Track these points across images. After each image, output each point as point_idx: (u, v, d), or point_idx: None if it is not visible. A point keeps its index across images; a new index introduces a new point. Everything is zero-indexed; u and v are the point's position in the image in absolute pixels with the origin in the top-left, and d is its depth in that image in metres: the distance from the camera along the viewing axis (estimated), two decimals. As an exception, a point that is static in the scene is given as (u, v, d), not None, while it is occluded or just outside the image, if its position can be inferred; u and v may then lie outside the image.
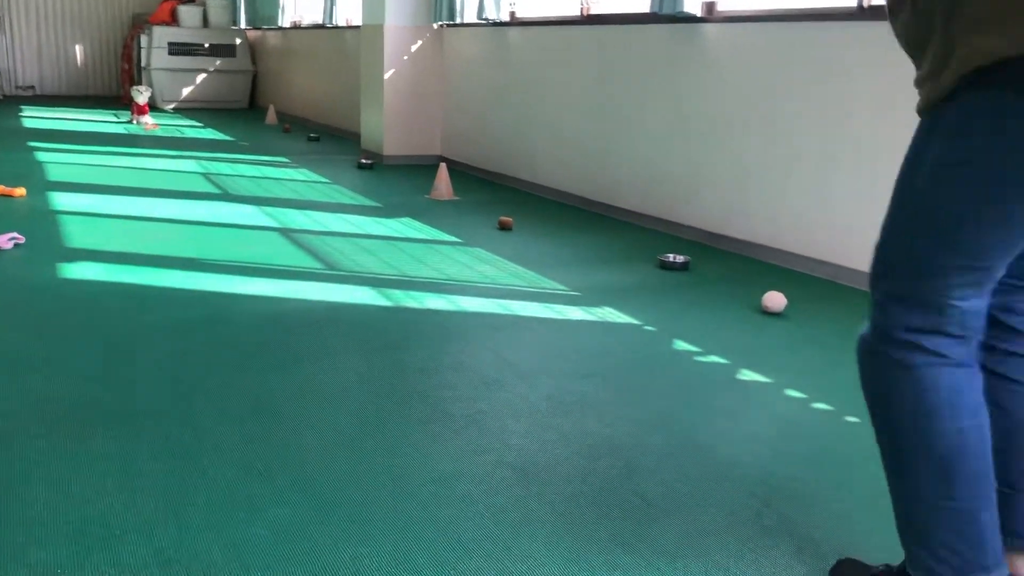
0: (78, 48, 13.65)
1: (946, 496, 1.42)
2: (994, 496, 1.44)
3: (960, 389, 1.42)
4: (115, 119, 10.11)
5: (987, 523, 1.43)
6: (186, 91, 12.05)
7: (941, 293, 1.39)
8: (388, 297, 3.53)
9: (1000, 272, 1.40)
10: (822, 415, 2.52)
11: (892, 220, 1.44)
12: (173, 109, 11.88)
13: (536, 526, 1.88)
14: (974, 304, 1.40)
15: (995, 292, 1.45)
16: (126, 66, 12.72)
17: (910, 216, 1.40)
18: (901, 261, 1.43)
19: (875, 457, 2.28)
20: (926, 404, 1.41)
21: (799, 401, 2.61)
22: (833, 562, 1.76)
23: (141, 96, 9.53)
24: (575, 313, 3.41)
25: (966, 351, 1.43)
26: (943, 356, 1.41)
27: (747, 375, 2.81)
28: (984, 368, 1.48)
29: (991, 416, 1.46)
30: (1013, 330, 1.51)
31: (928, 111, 1.38)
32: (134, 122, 9.55)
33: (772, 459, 2.23)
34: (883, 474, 2.19)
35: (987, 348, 1.50)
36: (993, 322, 1.49)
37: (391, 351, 2.91)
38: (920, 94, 1.38)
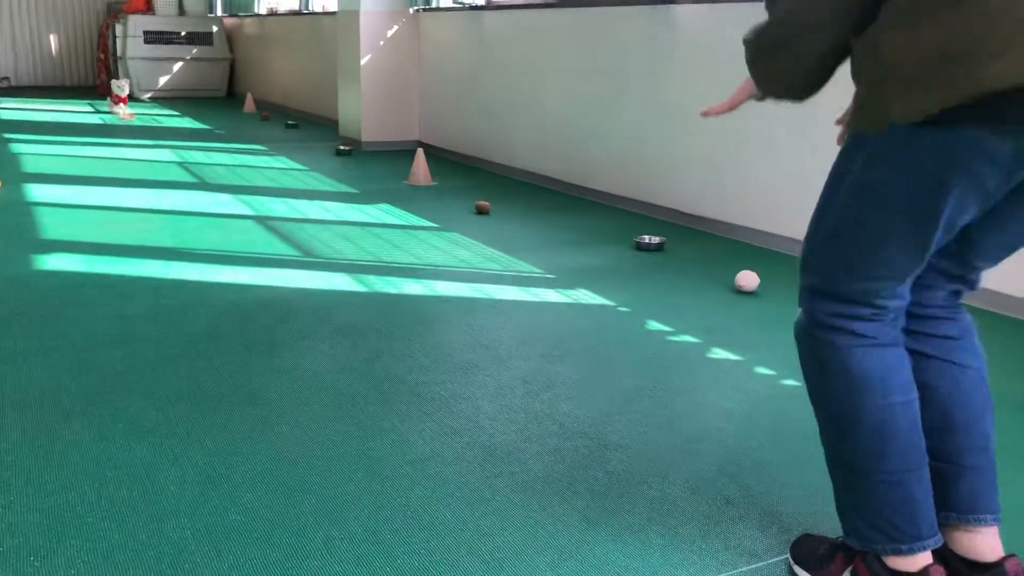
0: (53, 38, 13.52)
1: (879, 469, 1.49)
2: (926, 471, 1.51)
3: (890, 367, 1.49)
4: (92, 110, 10.04)
5: (919, 496, 1.49)
6: (163, 80, 11.97)
7: (864, 294, 1.47)
8: (364, 283, 3.55)
9: (919, 270, 1.47)
10: (790, 391, 2.56)
11: (818, 223, 1.51)
12: (150, 98, 11.81)
13: (506, 505, 1.91)
14: (896, 301, 1.49)
15: (912, 290, 1.53)
16: (101, 56, 12.63)
17: (833, 226, 1.47)
18: (826, 263, 1.50)
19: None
20: (858, 381, 1.48)
21: (768, 378, 2.65)
22: (796, 535, 1.80)
23: (122, 90, 9.59)
24: (550, 295, 3.44)
25: (892, 332, 1.51)
26: (871, 338, 1.49)
27: (718, 353, 2.85)
28: (909, 351, 1.55)
29: (925, 396, 1.54)
30: (928, 318, 1.58)
31: (856, 131, 1.42)
32: (112, 111, 9.54)
33: (739, 435, 2.27)
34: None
35: (908, 333, 1.57)
36: (910, 315, 1.57)
37: (367, 336, 2.93)
38: (854, 113, 1.41)
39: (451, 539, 1.78)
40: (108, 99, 9.84)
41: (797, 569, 1.68)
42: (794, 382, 2.62)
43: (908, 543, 1.49)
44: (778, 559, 1.74)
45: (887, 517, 1.50)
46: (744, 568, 1.71)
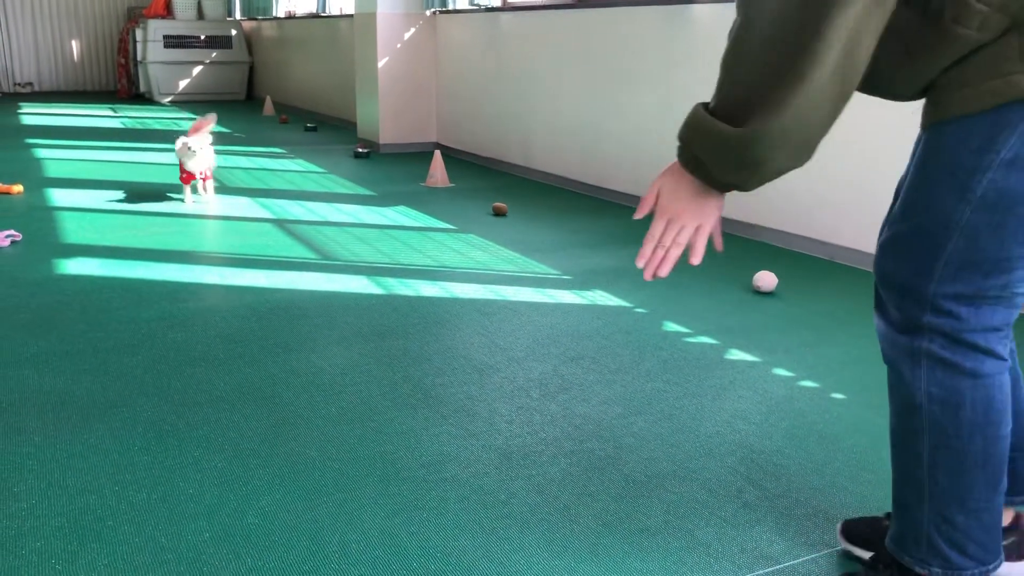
0: (74, 43, 13.67)
1: (989, 499, 1.42)
2: None
3: (1014, 395, 1.41)
4: (112, 114, 10.11)
5: (1000, 515, 1.45)
6: (183, 84, 12.07)
7: (1013, 286, 1.34)
8: (382, 285, 3.56)
9: None
10: (808, 393, 2.55)
11: (946, 226, 1.33)
12: (170, 102, 11.90)
13: (522, 508, 1.91)
14: None
15: None
16: (122, 60, 12.74)
17: (976, 221, 1.30)
18: (969, 262, 1.33)
19: (858, 433, 2.32)
20: (994, 413, 1.38)
21: (786, 379, 2.63)
22: (814, 540, 1.79)
23: (196, 160, 5.11)
24: (566, 297, 3.43)
25: (1010, 348, 1.42)
26: (1005, 361, 1.39)
27: (736, 354, 2.83)
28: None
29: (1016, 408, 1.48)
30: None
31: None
32: (195, 197, 5.31)
33: (756, 437, 2.26)
34: (864, 448, 2.21)
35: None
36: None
37: (383, 339, 2.94)
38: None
39: (467, 542, 1.78)
40: (184, 187, 5.21)
41: None
42: (812, 383, 2.60)
43: (993, 562, 1.45)
44: (795, 562, 1.73)
45: (981, 542, 1.43)
46: (761, 572, 1.70)
